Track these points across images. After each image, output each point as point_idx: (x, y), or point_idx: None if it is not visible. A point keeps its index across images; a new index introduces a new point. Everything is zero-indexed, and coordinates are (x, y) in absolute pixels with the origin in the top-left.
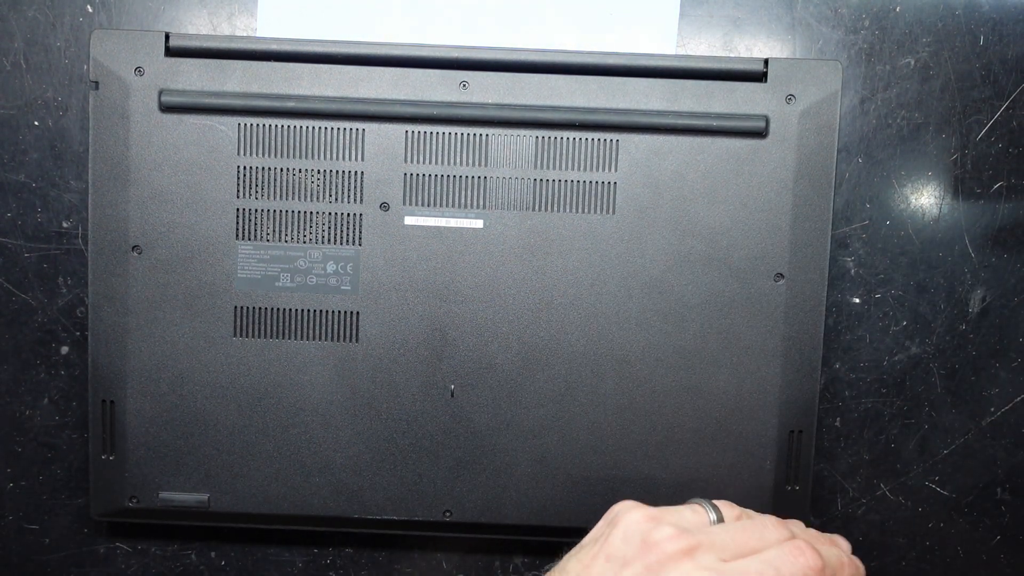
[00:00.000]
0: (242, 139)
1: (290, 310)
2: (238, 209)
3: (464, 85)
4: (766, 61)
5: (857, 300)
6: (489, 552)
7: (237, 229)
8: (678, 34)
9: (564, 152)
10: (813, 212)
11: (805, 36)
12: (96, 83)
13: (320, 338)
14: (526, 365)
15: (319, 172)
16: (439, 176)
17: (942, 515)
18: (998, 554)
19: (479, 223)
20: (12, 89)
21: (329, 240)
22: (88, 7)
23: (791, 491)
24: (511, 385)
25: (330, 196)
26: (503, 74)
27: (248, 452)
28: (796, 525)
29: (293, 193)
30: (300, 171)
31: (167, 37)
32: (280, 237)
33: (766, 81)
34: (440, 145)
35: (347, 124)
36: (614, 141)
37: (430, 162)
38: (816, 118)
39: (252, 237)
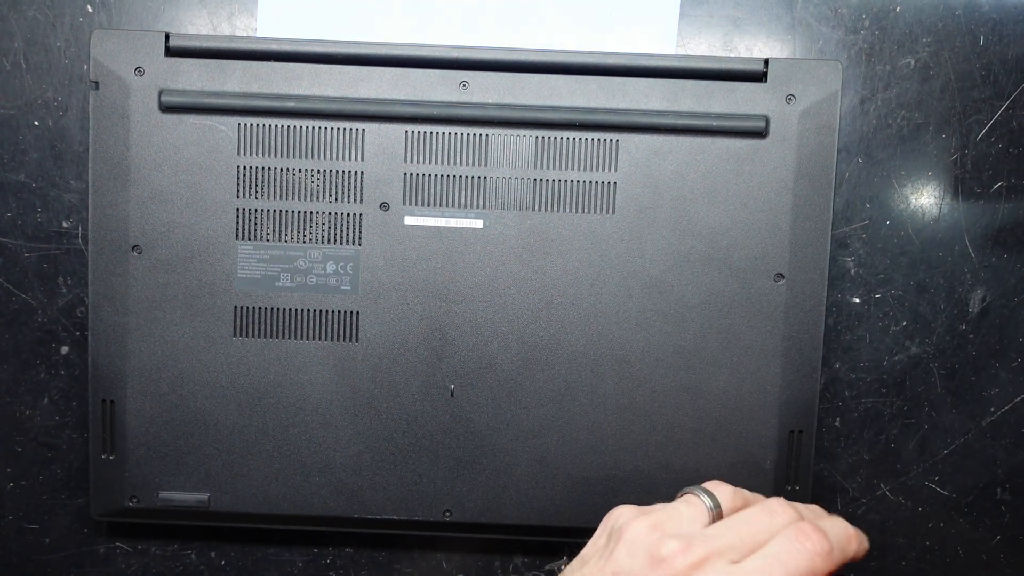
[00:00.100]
0: (242, 139)
1: (290, 310)
2: (238, 209)
3: (464, 85)
4: (766, 61)
5: (857, 300)
6: (489, 552)
7: (237, 229)
8: (678, 34)
9: (564, 152)
10: (813, 212)
11: (805, 36)
12: (96, 83)
13: (320, 338)
14: (526, 365)
15: (319, 172)
16: (439, 176)
17: (942, 515)
18: (998, 554)
19: (479, 223)
20: (12, 89)
21: (329, 240)
22: (88, 7)
23: (791, 491)
24: (511, 385)
25: (330, 196)
26: (503, 74)
27: (248, 452)
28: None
29: (293, 193)
30: (300, 171)
31: (167, 37)
32: (280, 237)
33: (766, 81)
34: (440, 145)
35: (347, 124)
36: (614, 141)
37: (430, 162)
38: (816, 118)
39: (252, 237)
